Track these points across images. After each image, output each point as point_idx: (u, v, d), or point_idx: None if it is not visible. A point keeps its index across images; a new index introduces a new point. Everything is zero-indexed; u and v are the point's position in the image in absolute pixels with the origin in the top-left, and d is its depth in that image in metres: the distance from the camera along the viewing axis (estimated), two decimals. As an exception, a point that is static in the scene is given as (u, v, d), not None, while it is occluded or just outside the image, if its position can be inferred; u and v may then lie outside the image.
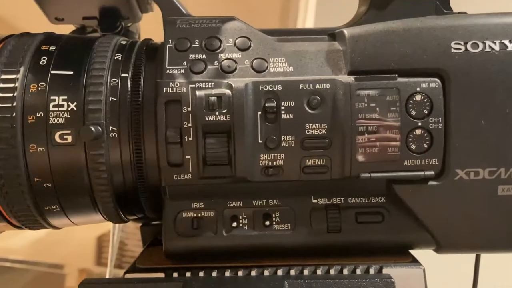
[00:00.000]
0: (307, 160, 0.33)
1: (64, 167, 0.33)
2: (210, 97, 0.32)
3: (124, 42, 0.37)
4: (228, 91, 0.32)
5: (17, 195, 0.33)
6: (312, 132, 0.33)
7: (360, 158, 0.33)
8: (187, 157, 0.32)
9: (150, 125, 0.33)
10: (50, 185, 0.33)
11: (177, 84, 0.33)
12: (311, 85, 0.33)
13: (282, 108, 0.33)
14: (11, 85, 0.33)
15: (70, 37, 0.37)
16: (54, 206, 0.34)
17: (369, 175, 0.33)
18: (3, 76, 0.33)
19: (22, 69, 0.33)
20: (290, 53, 0.35)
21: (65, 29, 0.44)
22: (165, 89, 0.33)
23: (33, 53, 0.34)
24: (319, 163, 0.33)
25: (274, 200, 0.35)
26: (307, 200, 0.35)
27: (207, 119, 0.32)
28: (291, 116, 0.33)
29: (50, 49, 0.35)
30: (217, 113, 0.32)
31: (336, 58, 0.34)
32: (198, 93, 0.32)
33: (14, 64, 0.33)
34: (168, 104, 0.33)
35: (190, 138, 0.32)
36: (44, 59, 0.34)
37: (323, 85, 0.33)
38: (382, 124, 0.33)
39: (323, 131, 0.33)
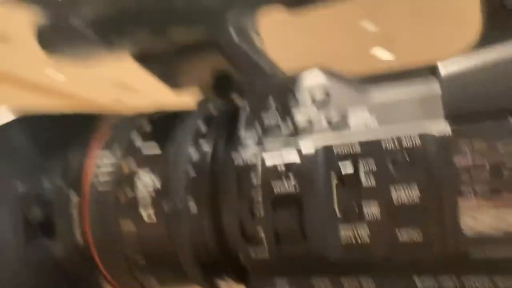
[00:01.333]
0: (397, 233, 0.27)
1: (152, 244, 0.33)
2: (278, 167, 0.29)
3: (214, 112, 0.36)
4: (297, 158, 0.29)
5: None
6: (400, 200, 0.27)
7: (467, 229, 0.26)
8: (260, 233, 0.30)
9: (226, 199, 0.32)
10: (143, 263, 0.34)
11: (247, 153, 0.31)
12: (396, 142, 0.27)
13: (362, 172, 0.27)
14: (108, 170, 0.35)
15: (160, 112, 0.38)
16: (150, 279, 0.35)
17: (482, 252, 0.25)
18: (101, 158, 0.35)
19: (118, 152, 0.35)
20: (375, 102, 0.29)
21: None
22: (235, 160, 0.31)
23: (130, 135, 0.36)
24: (412, 237, 0.27)
25: (367, 279, 0.29)
26: (407, 281, 0.28)
27: (276, 191, 0.29)
28: (373, 182, 0.27)
29: (143, 125, 0.36)
30: (286, 184, 0.29)
31: (431, 102, 0.28)
32: (267, 162, 0.30)
33: (112, 146, 0.36)
34: (239, 175, 0.31)
35: (261, 213, 0.29)
36: (136, 137, 0.35)
37: (412, 142, 0.27)
38: (495, 184, 0.25)
39: (415, 197, 0.26)
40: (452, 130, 0.26)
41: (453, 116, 0.26)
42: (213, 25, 0.36)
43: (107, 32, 0.36)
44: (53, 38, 0.37)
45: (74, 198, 0.35)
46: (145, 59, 0.40)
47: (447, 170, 0.26)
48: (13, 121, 0.35)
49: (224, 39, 0.36)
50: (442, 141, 0.26)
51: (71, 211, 0.35)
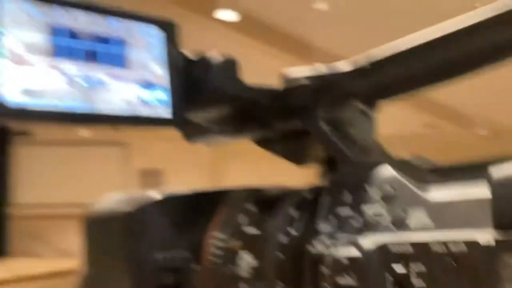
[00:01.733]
0: None
1: None
2: (342, 260, 0.32)
3: (309, 196, 0.41)
4: (358, 253, 0.32)
5: None
6: None
7: None
8: None
9: (306, 285, 0.36)
10: None
11: (319, 243, 0.35)
12: (444, 247, 0.28)
13: (414, 274, 0.29)
14: (220, 244, 0.41)
15: (266, 195, 0.44)
16: None
17: None
18: (216, 235, 0.42)
19: (229, 230, 0.42)
20: (435, 202, 0.31)
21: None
22: (309, 248, 0.35)
23: (240, 214, 0.42)
24: None
25: None
26: None
27: (340, 282, 0.32)
28: (423, 284, 0.29)
29: (251, 209, 0.42)
30: (348, 277, 0.32)
31: (482, 206, 0.28)
32: (334, 253, 0.33)
33: (225, 225, 0.42)
34: (313, 264, 0.34)
35: None
36: (244, 219, 0.41)
37: (458, 248, 0.28)
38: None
39: None
40: (499, 241, 0.26)
41: (501, 225, 0.27)
42: (305, 117, 0.41)
43: (231, 129, 0.44)
44: (193, 132, 0.47)
45: (196, 268, 0.43)
46: (264, 143, 0.47)
47: (492, 280, 0.26)
48: (154, 202, 0.44)
49: (314, 129, 0.41)
50: (488, 251, 0.27)
51: (193, 279, 0.43)
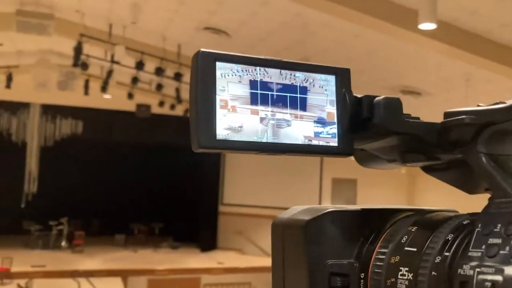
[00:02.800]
0: None
1: None
2: (485, 282, 0.36)
3: (466, 222, 0.44)
4: (500, 278, 0.35)
5: None
6: None
7: None
8: None
9: None
10: None
11: (468, 267, 0.39)
12: None
13: None
14: (382, 257, 0.47)
15: (432, 218, 0.49)
16: None
17: None
18: (379, 250, 0.49)
19: (390, 245, 0.48)
20: None
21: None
22: (458, 271, 0.39)
23: (402, 233, 0.48)
24: None
25: None
26: None
27: None
28: None
29: (412, 230, 0.47)
30: None
31: None
32: (479, 277, 0.37)
33: (388, 241, 0.49)
34: (460, 283, 0.39)
35: None
36: (405, 237, 0.47)
37: None
38: None
39: None
40: None
41: None
42: (466, 151, 0.45)
43: (398, 158, 0.51)
44: (367, 160, 0.54)
45: (362, 275, 0.50)
46: (431, 171, 0.52)
47: None
48: (325, 213, 0.52)
49: (474, 162, 0.45)
50: None
51: (360, 284, 0.50)
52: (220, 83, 0.43)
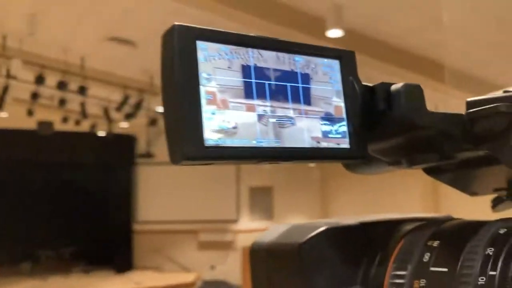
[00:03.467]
0: None
1: None
2: None
3: (502, 231, 0.37)
4: None
5: None
6: None
7: None
8: None
9: None
10: None
11: None
12: None
13: None
14: (400, 281, 0.39)
15: (455, 228, 0.41)
16: None
17: None
18: (394, 272, 0.40)
19: (409, 266, 0.39)
20: None
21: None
22: None
23: (421, 249, 0.40)
24: None
25: None
26: None
27: None
28: None
29: (434, 245, 0.39)
30: None
31: None
32: None
33: (404, 261, 0.40)
34: None
35: None
36: (427, 255, 0.39)
37: None
38: None
39: None
40: None
41: None
42: (496, 144, 0.38)
43: (406, 160, 0.42)
44: (357, 164, 0.45)
45: None
46: (433, 172, 0.44)
47: None
48: (320, 233, 0.42)
49: (506, 157, 0.37)
50: None
51: None
52: (204, 69, 0.32)
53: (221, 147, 0.31)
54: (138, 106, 7.53)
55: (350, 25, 4.61)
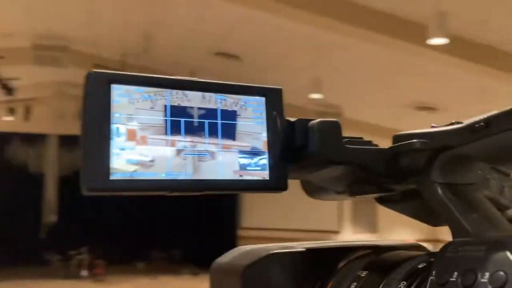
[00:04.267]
0: None
1: None
2: None
3: (421, 265, 0.37)
4: None
5: None
6: None
7: None
8: None
9: None
10: None
11: None
12: None
13: None
14: None
15: (386, 260, 0.41)
16: None
17: None
18: None
19: None
20: None
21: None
22: None
23: (351, 279, 0.40)
24: None
25: None
26: None
27: None
28: None
29: (362, 275, 0.40)
30: None
31: None
32: None
33: None
34: None
35: None
36: (353, 285, 0.39)
37: None
38: None
39: None
40: None
41: None
42: (419, 180, 0.38)
43: (347, 190, 0.43)
44: (315, 190, 0.47)
45: None
46: (386, 202, 0.45)
47: None
48: (264, 258, 0.43)
49: (429, 194, 0.38)
50: None
51: None
52: (120, 110, 0.36)
53: (128, 179, 0.35)
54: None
55: (455, 31, 4.39)
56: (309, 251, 0.45)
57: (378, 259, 0.41)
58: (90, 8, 6.01)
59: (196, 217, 11.55)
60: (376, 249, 0.44)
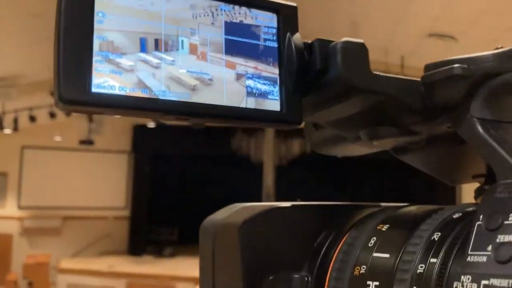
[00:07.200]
0: None
1: None
2: None
3: (456, 215, 0.30)
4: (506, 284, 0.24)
5: None
6: None
7: None
8: None
9: None
10: None
11: (469, 279, 0.26)
12: None
13: None
14: (343, 266, 0.34)
15: (410, 213, 0.34)
16: None
17: None
18: (339, 257, 0.35)
19: (354, 251, 0.34)
20: None
21: None
22: (454, 284, 0.26)
23: (368, 234, 0.34)
24: None
25: None
26: None
27: None
28: None
29: (383, 229, 0.33)
30: None
31: None
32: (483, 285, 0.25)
33: (351, 244, 0.34)
34: None
35: None
36: (373, 239, 0.33)
37: None
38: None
39: None
40: None
41: None
42: (455, 116, 0.32)
43: (367, 135, 0.36)
44: (323, 143, 0.41)
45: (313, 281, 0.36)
46: (403, 152, 0.38)
47: None
48: (265, 212, 0.37)
49: (468, 132, 0.31)
50: None
51: None
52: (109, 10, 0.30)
53: (111, 94, 0.29)
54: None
55: None
56: (318, 206, 0.39)
57: (398, 213, 0.34)
58: None
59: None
60: (390, 207, 0.37)
